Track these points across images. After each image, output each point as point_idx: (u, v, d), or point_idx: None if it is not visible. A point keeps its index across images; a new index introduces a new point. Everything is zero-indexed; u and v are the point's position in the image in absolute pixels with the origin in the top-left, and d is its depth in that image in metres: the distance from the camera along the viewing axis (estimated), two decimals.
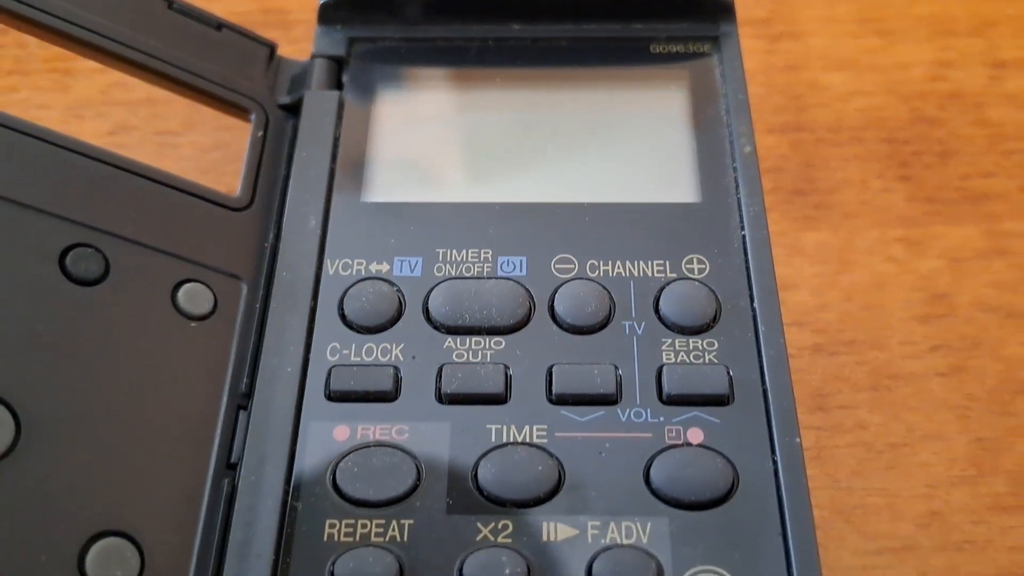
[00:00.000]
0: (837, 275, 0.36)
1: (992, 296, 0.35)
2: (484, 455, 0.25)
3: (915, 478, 0.31)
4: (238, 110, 0.31)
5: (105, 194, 0.26)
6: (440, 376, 0.26)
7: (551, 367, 0.26)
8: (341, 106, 0.31)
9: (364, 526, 0.24)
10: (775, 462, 0.25)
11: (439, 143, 0.32)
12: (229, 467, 0.25)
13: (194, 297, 0.26)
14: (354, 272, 0.28)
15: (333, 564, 0.23)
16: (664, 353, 0.26)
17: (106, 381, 0.24)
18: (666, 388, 0.26)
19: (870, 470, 0.31)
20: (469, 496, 0.24)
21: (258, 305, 0.28)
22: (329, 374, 0.26)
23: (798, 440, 0.25)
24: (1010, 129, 0.40)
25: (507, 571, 0.23)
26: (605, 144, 0.31)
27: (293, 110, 0.32)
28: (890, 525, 0.30)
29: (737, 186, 0.29)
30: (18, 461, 0.22)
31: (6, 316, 0.23)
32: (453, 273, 0.28)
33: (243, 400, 0.26)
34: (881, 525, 0.30)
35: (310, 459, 0.25)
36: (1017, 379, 0.33)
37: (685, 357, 0.26)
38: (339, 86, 0.32)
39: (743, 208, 0.29)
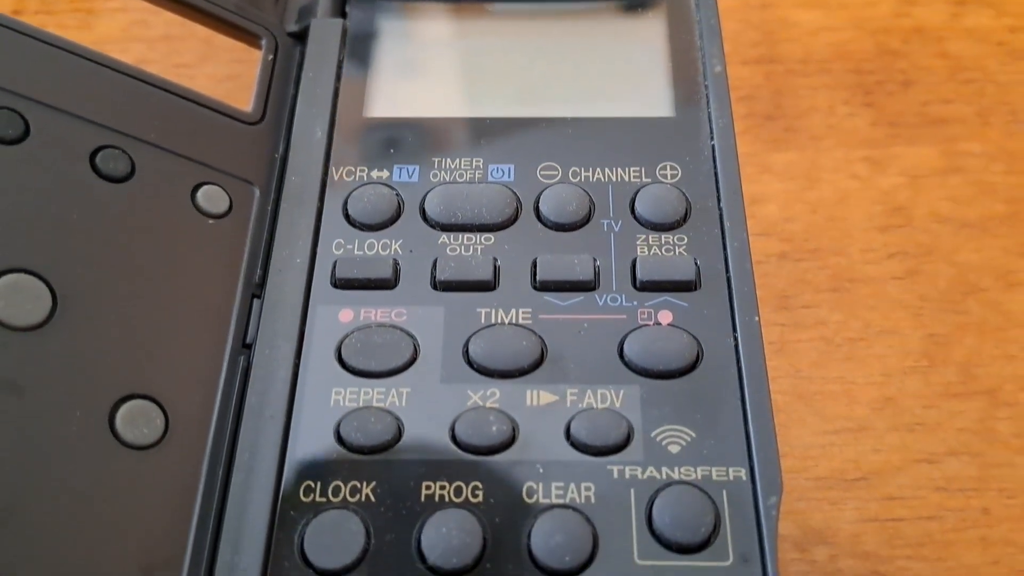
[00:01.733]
0: (803, 191, 0.37)
1: (947, 209, 0.37)
2: (474, 333, 0.26)
3: (871, 368, 0.33)
4: (250, 37, 0.33)
5: (131, 103, 0.28)
6: (435, 266, 0.27)
7: (535, 259, 0.27)
8: (344, 32, 0.33)
9: (367, 393, 0.25)
10: (736, 338, 0.26)
11: (434, 65, 0.33)
12: (245, 347, 0.27)
13: (211, 198, 0.28)
14: (357, 178, 0.29)
15: (339, 424, 0.25)
16: (638, 247, 0.28)
17: (132, 266, 0.25)
18: (639, 275, 0.27)
19: (829, 361, 0.33)
20: (460, 368, 0.26)
21: (269, 208, 0.29)
22: (334, 265, 0.27)
23: (757, 319, 0.26)
24: (968, 61, 0.41)
25: (494, 428, 0.24)
26: (588, 65, 0.33)
27: (300, 37, 0.33)
28: (847, 409, 0.32)
29: (708, 102, 0.31)
30: (55, 330, 0.23)
31: (43, 206, 0.25)
32: (447, 179, 0.29)
33: (257, 289, 0.27)
34: (839, 409, 0.32)
35: (318, 338, 0.26)
36: (968, 282, 0.35)
37: (657, 250, 0.28)
38: (343, 14, 0.33)
39: (713, 121, 0.30)
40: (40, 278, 0.24)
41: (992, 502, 0.31)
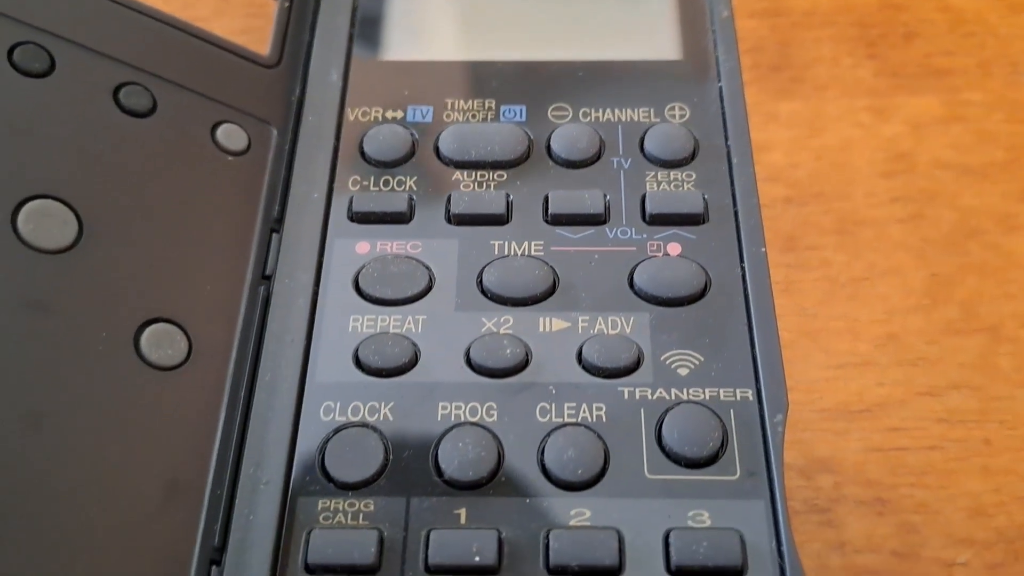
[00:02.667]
0: (808, 138, 0.37)
1: (949, 156, 0.37)
2: (488, 264, 0.26)
3: (874, 307, 0.33)
4: None
5: (153, 42, 0.28)
6: (449, 201, 0.28)
7: (547, 194, 0.28)
8: None
9: (383, 320, 0.26)
10: (743, 268, 0.26)
11: (447, 9, 0.33)
12: (264, 278, 0.27)
13: (231, 135, 0.28)
14: (372, 118, 0.30)
15: (357, 348, 0.25)
16: (648, 183, 0.28)
17: (155, 197, 0.26)
18: (649, 209, 0.27)
19: (834, 300, 0.33)
20: (475, 297, 0.26)
21: (287, 148, 0.29)
22: (351, 200, 0.28)
23: (763, 250, 0.27)
24: (969, 15, 0.42)
25: (508, 352, 0.25)
26: (599, 10, 0.33)
27: None
28: (851, 345, 0.32)
29: (715, 46, 0.31)
30: (81, 254, 0.24)
31: (68, 137, 0.25)
32: (460, 119, 0.29)
33: (275, 224, 0.28)
34: (843, 345, 0.32)
35: (335, 268, 0.27)
36: (969, 225, 0.35)
37: (666, 186, 0.28)
38: None
39: (720, 64, 0.30)
40: (66, 204, 0.24)
41: (993, 433, 0.31)
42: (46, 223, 0.23)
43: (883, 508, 0.29)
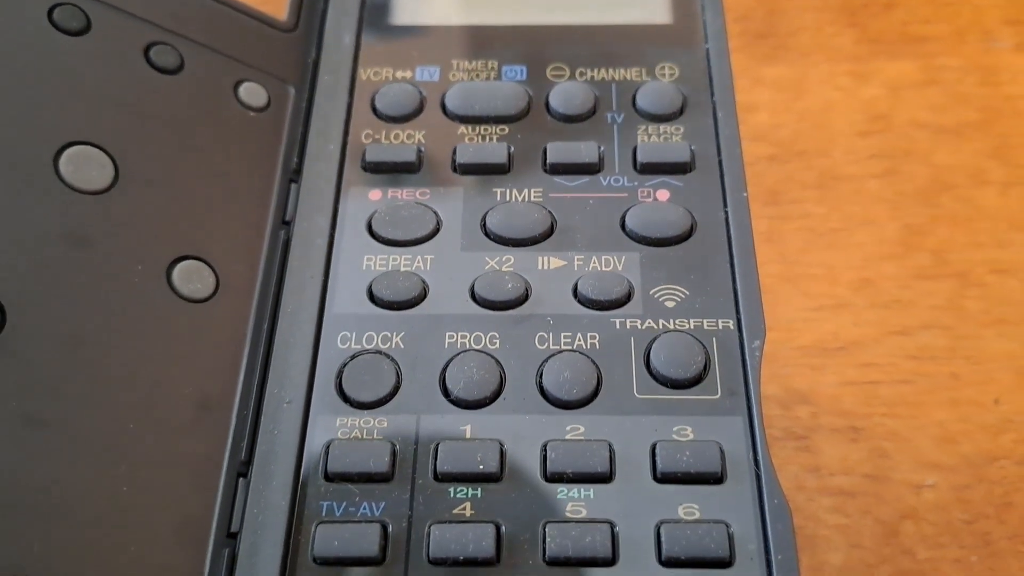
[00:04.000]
0: (792, 101, 0.39)
1: (925, 116, 0.38)
2: (491, 209, 0.28)
3: (851, 254, 0.34)
4: None
5: (181, 5, 0.29)
6: (455, 152, 0.29)
7: (546, 146, 0.29)
8: None
9: (395, 260, 0.27)
10: (726, 212, 0.28)
11: None
12: (284, 223, 0.28)
13: (252, 93, 0.30)
14: (383, 78, 0.31)
15: (371, 284, 0.26)
16: (639, 135, 0.29)
17: (183, 147, 0.27)
18: (640, 159, 0.29)
19: (813, 249, 0.34)
20: (479, 238, 0.27)
21: (303, 106, 0.31)
22: (364, 151, 0.29)
23: (745, 195, 0.28)
24: None
25: (509, 286, 0.26)
26: None
27: None
28: (829, 289, 0.33)
29: (703, 10, 0.32)
30: (117, 195, 0.25)
31: (103, 90, 0.26)
32: (465, 79, 0.31)
33: (294, 175, 0.29)
34: (821, 288, 0.33)
35: (350, 213, 0.28)
36: (943, 180, 0.37)
37: (656, 138, 0.29)
38: None
39: (707, 27, 0.32)
40: (103, 150, 0.25)
41: (961, 368, 0.32)
42: (85, 167, 0.25)
43: (856, 436, 0.31)
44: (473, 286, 0.26)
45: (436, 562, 0.22)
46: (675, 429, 0.24)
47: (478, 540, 0.22)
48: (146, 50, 0.28)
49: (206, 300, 0.25)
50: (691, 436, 0.24)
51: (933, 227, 0.35)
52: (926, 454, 0.31)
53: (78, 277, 0.23)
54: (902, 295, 0.34)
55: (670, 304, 0.26)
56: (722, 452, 0.23)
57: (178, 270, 0.25)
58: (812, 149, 0.37)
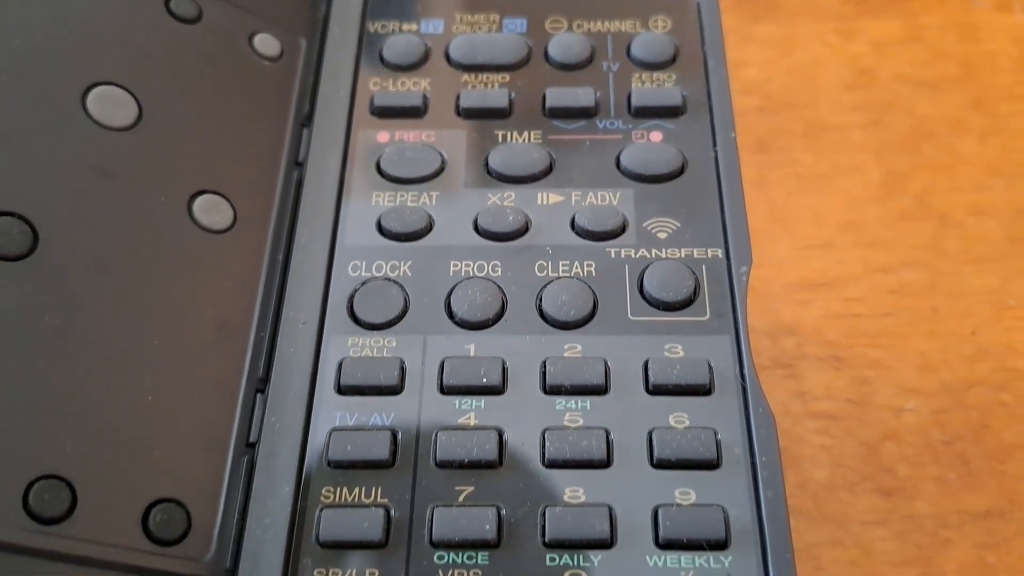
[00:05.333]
0: (781, 57, 0.39)
1: (907, 71, 0.39)
2: (492, 149, 0.29)
3: (837, 199, 0.35)
4: None
5: None
6: (458, 98, 0.30)
7: (545, 91, 0.30)
8: None
9: (402, 196, 0.28)
10: (716, 151, 0.29)
11: None
12: (297, 164, 0.29)
13: (266, 43, 0.30)
14: (390, 30, 0.32)
15: (380, 218, 0.27)
16: (634, 83, 0.30)
17: (202, 91, 0.28)
18: (634, 103, 0.29)
19: (801, 193, 0.35)
20: (481, 176, 0.28)
21: (315, 55, 0.31)
22: (372, 97, 0.30)
23: (733, 135, 0.29)
24: None
25: (510, 219, 0.27)
26: None
27: None
28: (815, 230, 0.34)
29: None
30: (141, 132, 0.26)
31: (127, 36, 0.27)
32: (468, 31, 0.32)
33: (306, 120, 0.30)
34: (808, 230, 0.34)
35: (360, 154, 0.29)
36: (924, 129, 0.37)
37: (650, 85, 0.30)
38: None
39: None
40: (128, 91, 0.26)
41: (940, 303, 0.33)
42: (111, 105, 0.26)
43: (840, 364, 0.32)
44: (476, 219, 0.27)
45: (442, 464, 0.23)
46: (666, 347, 0.25)
47: (482, 445, 0.23)
48: (167, 1, 0.29)
49: (225, 232, 0.26)
50: (681, 353, 0.25)
51: (915, 173, 0.36)
52: (906, 381, 0.32)
53: (104, 206, 0.24)
54: (885, 235, 0.34)
55: (662, 235, 0.27)
56: (710, 367, 0.24)
57: (198, 203, 0.26)
58: (800, 102, 0.38)
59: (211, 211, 0.26)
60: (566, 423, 0.24)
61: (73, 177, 0.24)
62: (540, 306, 0.26)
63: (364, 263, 0.26)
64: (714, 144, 0.29)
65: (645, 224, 0.27)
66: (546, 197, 0.28)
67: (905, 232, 0.35)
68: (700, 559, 0.22)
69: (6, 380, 0.21)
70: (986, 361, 0.32)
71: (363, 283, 0.26)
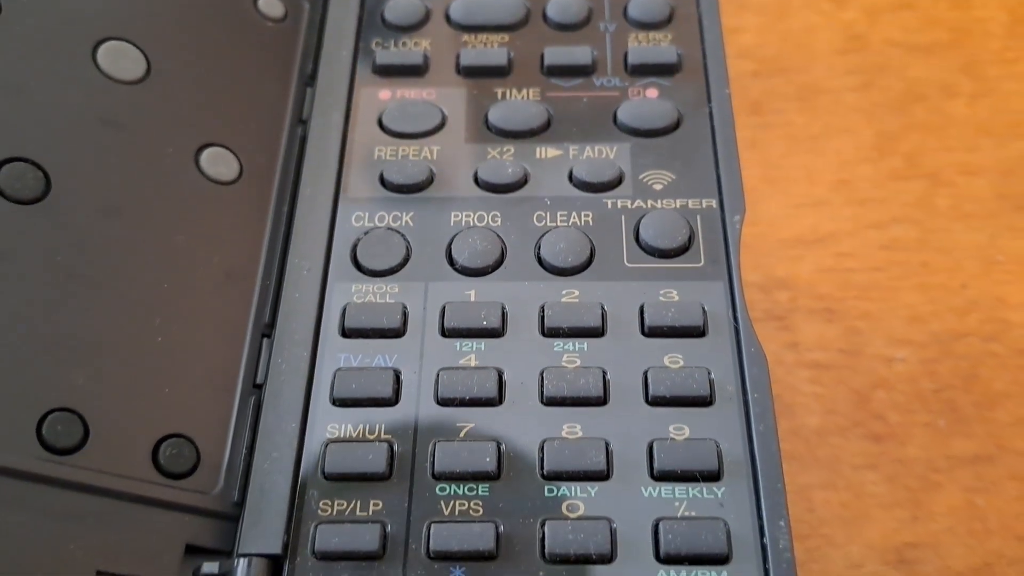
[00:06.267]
0: (775, 23, 0.39)
1: (899, 36, 0.39)
2: (492, 105, 0.29)
3: (829, 158, 0.35)
4: None
5: None
6: (458, 57, 0.30)
7: (543, 50, 0.30)
8: None
9: (404, 150, 0.28)
10: (710, 106, 0.29)
11: None
12: (301, 122, 0.29)
13: (270, 4, 0.30)
14: None
15: (382, 171, 0.27)
16: (630, 42, 0.30)
17: (208, 49, 0.28)
18: (630, 61, 0.30)
19: (794, 153, 0.35)
20: (481, 131, 0.28)
21: (318, 17, 0.32)
22: (374, 56, 0.30)
23: (727, 91, 0.29)
24: None
25: (509, 171, 0.27)
26: None
27: None
28: (808, 189, 0.34)
29: None
30: (149, 86, 0.26)
31: None
32: None
33: (309, 80, 0.30)
34: (801, 188, 0.34)
35: (362, 111, 0.29)
36: (915, 92, 0.37)
37: (646, 43, 0.30)
38: None
39: None
40: (136, 46, 0.26)
41: (930, 257, 0.33)
42: (120, 59, 0.26)
43: (832, 316, 0.32)
44: (476, 172, 0.27)
45: (444, 402, 0.23)
46: (661, 292, 0.25)
47: (482, 383, 0.23)
48: None
49: (231, 183, 0.27)
50: (676, 297, 0.25)
51: (906, 134, 0.36)
52: (897, 332, 0.32)
53: (114, 154, 0.25)
54: (876, 193, 0.35)
55: (658, 187, 0.27)
56: (704, 310, 0.25)
57: (205, 155, 0.26)
58: (793, 66, 0.38)
59: (217, 163, 0.27)
60: (564, 364, 0.24)
61: (84, 126, 0.24)
62: (539, 254, 0.26)
63: (367, 214, 0.27)
64: (708, 100, 0.29)
65: (641, 176, 0.27)
66: (544, 151, 0.28)
67: (896, 190, 0.35)
68: (693, 490, 0.22)
69: (21, 317, 0.21)
70: (976, 313, 0.33)
71: (366, 232, 0.26)
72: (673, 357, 0.24)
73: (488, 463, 0.22)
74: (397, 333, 0.24)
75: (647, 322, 0.24)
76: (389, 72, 0.30)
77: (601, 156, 0.28)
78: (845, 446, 0.30)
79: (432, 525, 0.21)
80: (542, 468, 0.22)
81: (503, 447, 0.22)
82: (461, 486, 0.22)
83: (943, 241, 0.34)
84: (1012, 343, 0.32)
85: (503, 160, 0.28)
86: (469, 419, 0.23)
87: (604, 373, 0.24)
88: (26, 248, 0.22)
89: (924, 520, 0.29)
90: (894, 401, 0.31)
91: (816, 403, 0.31)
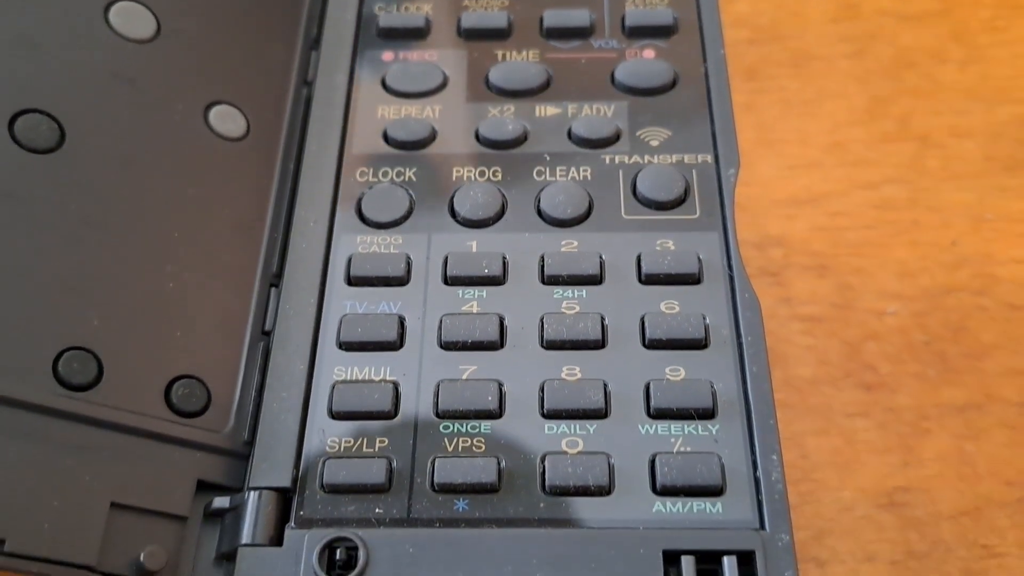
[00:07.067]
0: None
1: (891, 6, 0.40)
2: (492, 66, 0.29)
3: (822, 122, 0.36)
4: None
5: None
6: (459, 20, 0.30)
7: (542, 13, 0.30)
8: None
9: (407, 109, 0.28)
10: (706, 66, 0.29)
11: None
12: (306, 83, 0.30)
13: None
14: None
15: (385, 128, 0.28)
16: (627, 4, 0.31)
17: (214, 11, 0.28)
18: (628, 23, 0.30)
19: (788, 117, 0.36)
20: (482, 91, 0.29)
21: None
22: (378, 19, 0.30)
23: (723, 52, 0.29)
24: None
25: (509, 127, 0.28)
26: None
27: None
28: (801, 151, 0.35)
29: None
30: (159, 45, 0.26)
31: None
32: None
33: (314, 44, 0.30)
34: (795, 150, 0.35)
35: (366, 71, 0.29)
36: (907, 59, 0.38)
37: (643, 6, 0.31)
38: None
39: None
40: (146, 6, 0.27)
41: (921, 216, 0.34)
42: (131, 18, 0.26)
43: (824, 272, 0.32)
44: (477, 129, 0.28)
45: (447, 346, 0.24)
46: (658, 242, 0.25)
47: (484, 328, 0.24)
48: None
49: (239, 140, 0.27)
50: (672, 247, 0.25)
51: (897, 98, 0.37)
52: (888, 286, 0.32)
53: (125, 109, 0.25)
54: (868, 155, 0.35)
55: (654, 143, 0.28)
56: (699, 259, 0.25)
57: (214, 112, 0.27)
58: (787, 34, 0.38)
59: (226, 120, 0.27)
60: (563, 310, 0.24)
61: (96, 81, 0.25)
62: (538, 206, 0.26)
63: (371, 169, 0.27)
64: (704, 60, 0.29)
65: (638, 133, 0.28)
66: (544, 109, 0.28)
67: (888, 152, 0.35)
68: (689, 427, 0.22)
69: (36, 261, 0.21)
70: (965, 268, 0.33)
71: (370, 187, 0.27)
72: (669, 304, 0.24)
73: (490, 402, 0.22)
74: (401, 281, 0.25)
75: (644, 270, 0.25)
76: (392, 35, 0.30)
77: (599, 114, 0.28)
78: (837, 395, 0.30)
79: (436, 460, 0.22)
80: (542, 407, 0.23)
81: (504, 387, 0.23)
82: (464, 424, 0.22)
83: (933, 200, 0.34)
84: (1000, 297, 0.32)
85: (503, 118, 0.28)
86: (472, 362, 0.23)
87: (602, 318, 0.24)
88: (42, 195, 0.22)
89: (915, 465, 0.29)
90: (885, 352, 0.31)
91: (809, 354, 0.31)
